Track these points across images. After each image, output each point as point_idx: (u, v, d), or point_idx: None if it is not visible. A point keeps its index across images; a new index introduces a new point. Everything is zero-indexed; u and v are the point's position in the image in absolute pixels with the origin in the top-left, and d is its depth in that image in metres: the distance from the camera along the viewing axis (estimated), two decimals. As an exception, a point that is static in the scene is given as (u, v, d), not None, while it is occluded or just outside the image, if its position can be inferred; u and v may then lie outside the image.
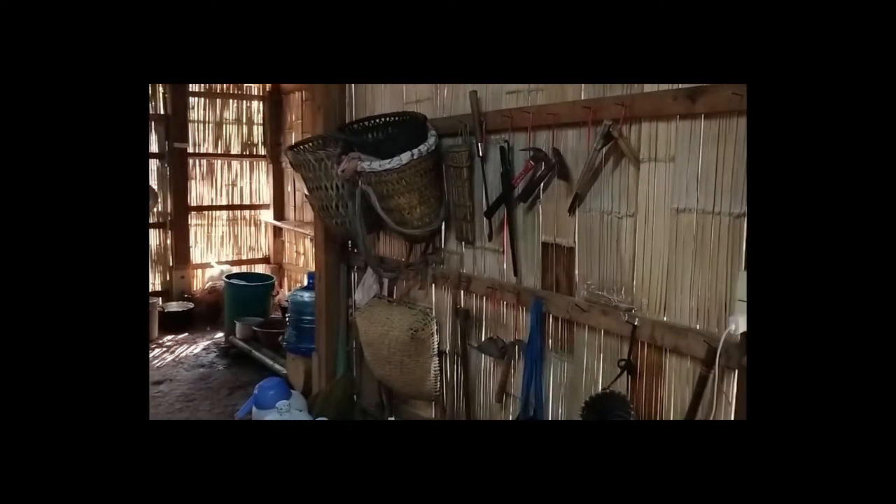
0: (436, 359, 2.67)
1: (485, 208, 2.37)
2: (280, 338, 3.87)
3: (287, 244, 6.02)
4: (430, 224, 2.48)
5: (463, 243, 2.56)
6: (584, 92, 1.97)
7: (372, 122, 2.66)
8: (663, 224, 1.77)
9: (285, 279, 6.00)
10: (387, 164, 2.26)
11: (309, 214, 4.42)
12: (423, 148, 2.31)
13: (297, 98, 5.41)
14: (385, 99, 2.96)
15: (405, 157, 2.27)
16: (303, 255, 5.74)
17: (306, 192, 2.90)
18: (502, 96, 2.27)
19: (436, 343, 2.66)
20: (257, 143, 5.99)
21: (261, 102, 5.89)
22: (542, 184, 2.12)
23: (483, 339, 2.45)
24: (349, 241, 3.20)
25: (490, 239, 2.38)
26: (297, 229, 5.53)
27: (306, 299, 3.60)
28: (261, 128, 5.93)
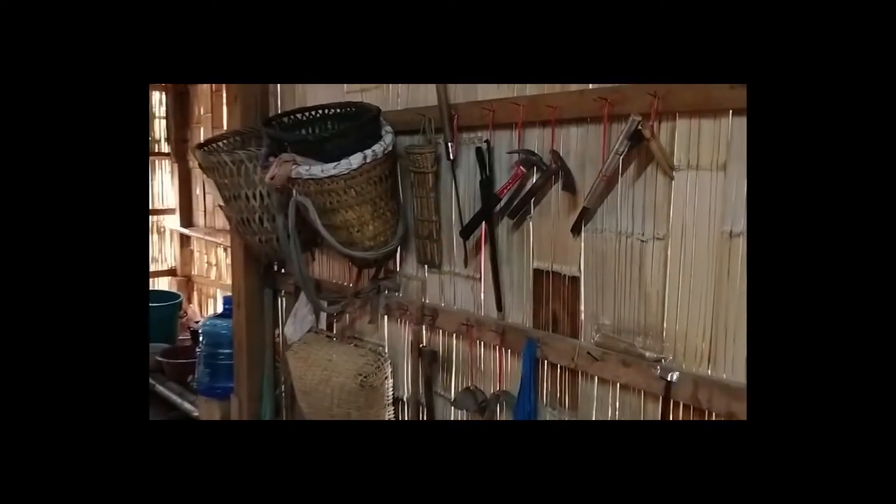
0: (391, 408, 2.17)
1: (456, 224, 1.89)
2: (189, 378, 3.21)
3: (196, 254, 5.25)
4: (384, 244, 1.97)
5: (426, 267, 2.07)
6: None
7: (307, 115, 2.11)
8: (708, 251, 1.36)
9: (195, 294, 5.24)
10: (332, 168, 1.73)
11: (222, 220, 3.78)
12: (378, 149, 1.80)
13: (205, 88, 4.69)
14: (319, 88, 2.41)
15: (356, 161, 1.75)
16: (215, 266, 5.02)
17: (221, 203, 2.30)
18: (478, 85, 1.80)
19: (390, 390, 2.16)
20: (160, 140, 5.19)
21: (163, 93, 5.10)
22: (534, 196, 1.67)
23: (454, 385, 1.98)
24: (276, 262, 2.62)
25: (465, 264, 1.90)
26: (207, 237, 4.80)
27: (222, 330, 2.98)
28: (164, 122, 5.14)
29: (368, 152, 1.77)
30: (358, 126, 1.76)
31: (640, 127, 1.38)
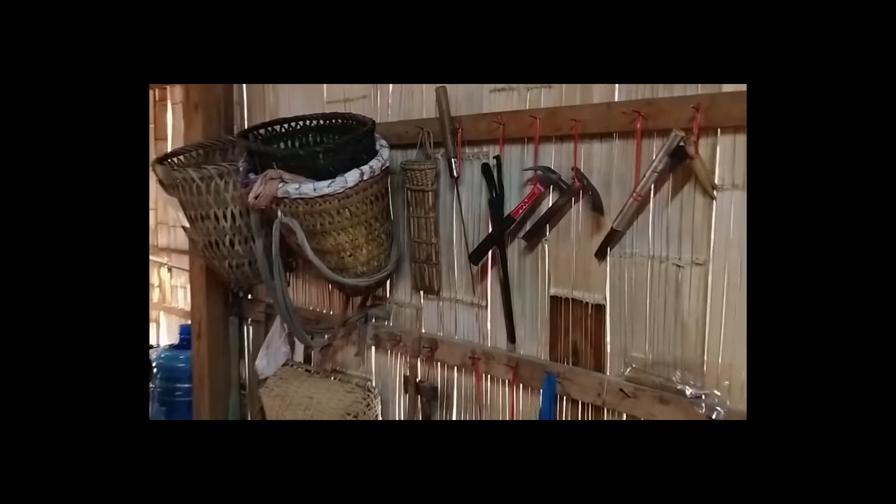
0: (382, 449, 1.96)
1: (458, 247, 1.73)
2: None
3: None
4: (379, 269, 1.79)
5: (422, 293, 1.89)
6: (619, 91, 1.41)
7: (286, 126, 1.90)
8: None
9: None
10: (325, 187, 1.54)
11: (166, 238, 3.46)
12: (375, 165, 1.61)
13: (152, 96, 4.34)
14: (295, 97, 2.21)
15: (352, 178, 1.56)
16: (158, 287, 4.64)
17: (184, 224, 2.05)
18: (484, 94, 1.65)
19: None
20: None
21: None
22: (553, 217, 1.53)
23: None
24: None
25: (474, 290, 1.74)
26: (152, 258, 4.43)
27: (180, 363, 2.69)
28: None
29: (365, 168, 1.58)
30: (354, 139, 1.57)
31: (682, 143, 1.26)
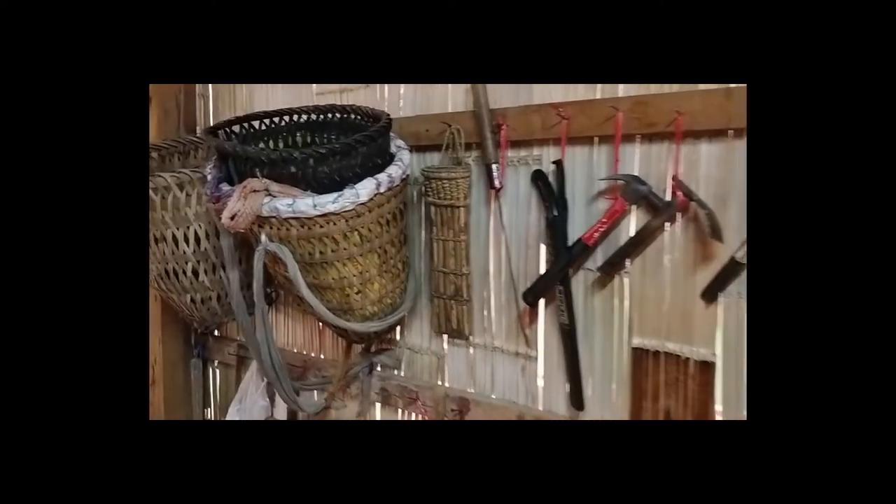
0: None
1: (497, 278, 1.33)
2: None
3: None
4: (393, 309, 1.36)
5: (446, 337, 1.48)
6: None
7: (270, 122, 1.46)
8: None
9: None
10: (330, 202, 1.11)
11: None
12: (394, 172, 1.19)
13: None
14: (275, 87, 1.77)
15: (366, 191, 1.14)
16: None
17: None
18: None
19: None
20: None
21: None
22: (642, 243, 1.14)
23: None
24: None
25: (520, 336, 1.33)
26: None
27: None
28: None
29: (382, 178, 1.16)
30: (369, 138, 1.15)
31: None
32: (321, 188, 1.15)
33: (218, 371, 2.05)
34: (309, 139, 1.50)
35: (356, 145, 1.14)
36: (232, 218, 1.11)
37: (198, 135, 1.81)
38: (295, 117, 1.47)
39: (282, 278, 1.33)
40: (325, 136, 1.48)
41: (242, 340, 1.95)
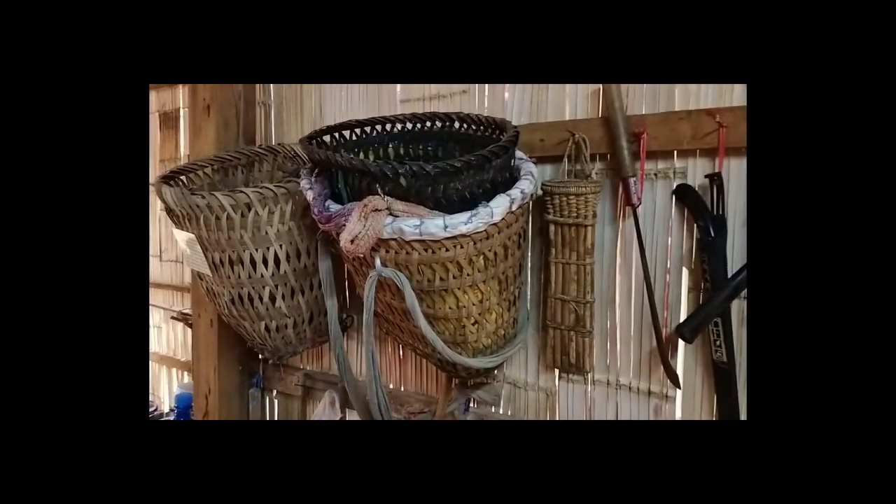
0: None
1: (626, 307, 1.18)
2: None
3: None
4: (506, 341, 1.21)
5: (558, 372, 1.32)
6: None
7: (361, 132, 1.32)
8: None
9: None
10: (462, 223, 0.96)
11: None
12: (526, 188, 1.05)
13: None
14: (351, 95, 1.63)
15: (500, 209, 0.99)
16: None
17: (201, 270, 1.44)
18: (676, 84, 1.11)
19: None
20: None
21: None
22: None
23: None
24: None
25: (652, 369, 1.17)
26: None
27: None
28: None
29: (515, 193, 1.01)
30: (502, 149, 1.00)
31: None
32: (448, 206, 1.00)
33: (277, 401, 1.89)
34: (402, 151, 1.35)
35: (491, 158, 0.99)
36: (352, 241, 0.96)
37: (266, 146, 1.67)
38: (388, 126, 1.33)
39: (383, 306, 1.18)
40: (422, 147, 1.33)
41: (308, 370, 1.79)
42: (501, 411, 1.40)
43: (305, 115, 1.74)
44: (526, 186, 1.04)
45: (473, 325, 1.13)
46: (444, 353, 1.11)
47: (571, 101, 1.25)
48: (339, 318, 1.60)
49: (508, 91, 1.34)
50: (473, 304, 1.10)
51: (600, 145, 1.16)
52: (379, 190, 0.98)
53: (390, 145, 1.35)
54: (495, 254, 1.06)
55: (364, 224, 0.96)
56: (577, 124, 1.19)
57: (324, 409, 1.60)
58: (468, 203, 1.00)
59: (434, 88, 1.45)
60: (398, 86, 1.52)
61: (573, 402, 1.30)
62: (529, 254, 1.31)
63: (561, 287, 1.22)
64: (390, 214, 0.98)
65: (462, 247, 1.00)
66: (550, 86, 1.27)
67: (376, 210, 0.96)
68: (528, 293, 1.32)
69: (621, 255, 1.20)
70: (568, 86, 1.24)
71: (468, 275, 1.05)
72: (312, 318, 1.47)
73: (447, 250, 1.00)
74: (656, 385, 1.18)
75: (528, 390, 1.36)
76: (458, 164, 0.96)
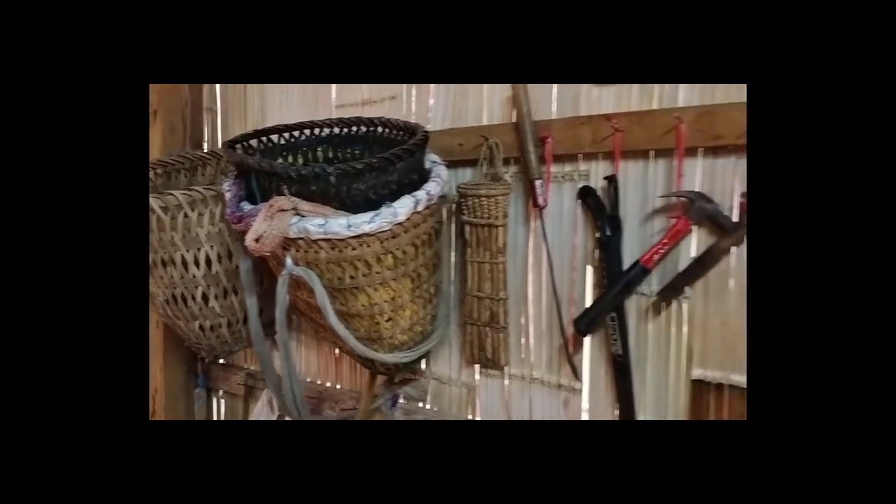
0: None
1: (536, 303, 1.23)
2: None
3: None
4: (423, 337, 1.25)
5: (477, 367, 1.37)
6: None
7: (290, 136, 1.36)
8: None
9: None
10: (365, 222, 1.01)
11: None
12: (433, 189, 1.10)
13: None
14: (291, 100, 1.67)
15: (404, 209, 1.04)
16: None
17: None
18: (582, 89, 1.17)
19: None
20: None
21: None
22: (706, 266, 1.05)
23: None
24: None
25: (562, 363, 1.23)
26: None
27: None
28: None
29: (421, 195, 1.06)
30: (407, 152, 1.05)
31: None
32: (354, 207, 1.04)
33: (224, 401, 1.92)
34: (331, 154, 1.40)
35: (394, 160, 1.04)
36: (257, 240, 1.00)
37: (209, 150, 1.71)
38: (317, 131, 1.38)
39: (303, 304, 1.22)
40: (349, 151, 1.38)
41: (251, 369, 1.83)
42: (428, 406, 1.45)
43: (249, 118, 1.78)
44: (432, 188, 1.09)
45: (387, 321, 1.17)
46: (356, 348, 1.16)
47: (488, 108, 1.30)
48: (274, 317, 1.64)
49: (433, 98, 1.39)
50: (385, 302, 1.14)
51: (512, 149, 1.21)
52: (285, 190, 1.03)
53: (319, 149, 1.40)
54: (404, 252, 1.10)
55: (269, 223, 1.00)
56: (491, 129, 1.25)
57: (261, 409, 1.63)
58: (375, 204, 1.05)
59: (366, 94, 1.50)
60: (333, 91, 1.57)
61: (492, 397, 1.35)
62: (453, 253, 1.36)
63: (477, 285, 1.27)
64: (297, 214, 1.02)
65: (368, 245, 1.05)
66: (470, 92, 1.32)
67: (282, 210, 1.01)
68: (452, 291, 1.36)
69: (533, 254, 1.25)
70: (486, 92, 1.30)
71: (377, 273, 1.09)
72: (247, 317, 1.51)
73: (353, 249, 1.05)
74: (565, 378, 1.24)
75: (451, 386, 1.41)
76: (360, 165, 1.01)
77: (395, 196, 1.06)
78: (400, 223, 1.05)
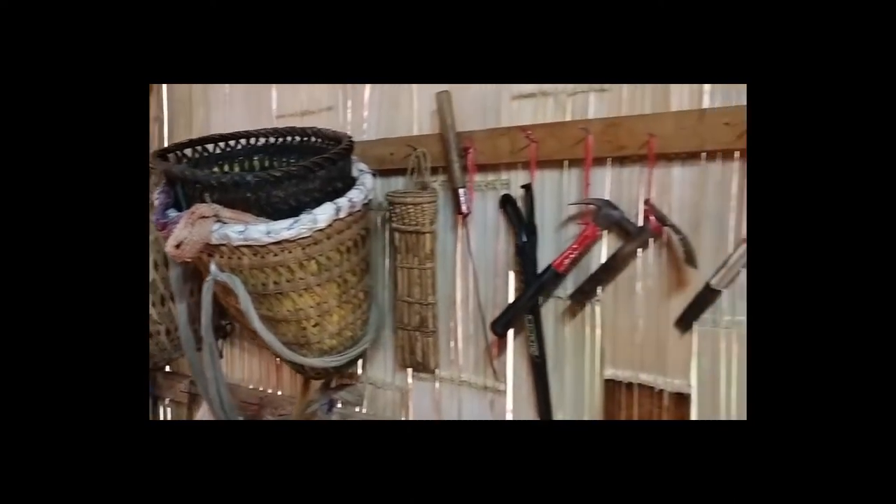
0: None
1: (464, 308, 1.27)
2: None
3: None
4: (353, 342, 1.28)
5: (411, 371, 1.40)
6: (711, 94, 1.01)
7: (225, 146, 1.39)
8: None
9: None
10: (284, 229, 1.04)
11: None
12: (355, 197, 1.13)
13: None
14: (234, 110, 1.70)
15: (324, 216, 1.07)
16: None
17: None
18: (503, 102, 1.22)
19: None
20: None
21: None
22: (614, 269, 1.10)
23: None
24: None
25: (487, 368, 1.26)
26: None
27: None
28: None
29: (342, 202, 1.10)
30: (328, 160, 1.09)
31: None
32: (276, 214, 1.07)
33: (169, 409, 1.92)
34: (267, 163, 1.42)
35: (314, 168, 1.07)
36: (177, 246, 1.02)
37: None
38: (252, 140, 1.40)
39: (234, 310, 1.24)
40: (285, 160, 1.41)
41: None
42: (364, 411, 1.47)
43: (195, 129, 1.80)
44: (355, 196, 1.13)
45: (314, 326, 1.20)
46: (282, 353, 1.18)
47: (418, 119, 1.34)
48: (220, 324, 1.66)
49: (369, 108, 1.43)
50: (311, 307, 1.17)
51: (440, 159, 1.26)
52: (207, 198, 1.05)
53: (255, 158, 1.42)
54: (328, 258, 1.13)
55: (190, 230, 1.02)
56: (420, 140, 1.29)
57: (203, 415, 1.64)
58: (297, 211, 1.08)
59: (305, 104, 1.53)
60: (274, 101, 1.60)
61: (424, 400, 1.38)
62: (387, 259, 1.39)
63: (406, 290, 1.31)
64: (218, 221, 1.05)
65: (290, 252, 1.08)
66: (402, 103, 1.36)
67: (203, 217, 1.03)
68: (385, 297, 1.40)
69: (461, 260, 1.29)
70: (416, 103, 1.34)
71: (301, 278, 1.12)
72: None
73: (275, 255, 1.07)
74: (491, 380, 1.27)
75: (386, 390, 1.44)
76: (279, 173, 1.04)
77: (317, 204, 1.09)
78: (321, 229, 1.08)
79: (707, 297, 1.01)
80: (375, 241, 1.38)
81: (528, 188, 1.16)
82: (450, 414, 1.34)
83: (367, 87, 1.42)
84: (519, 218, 1.17)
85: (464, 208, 1.22)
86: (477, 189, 1.25)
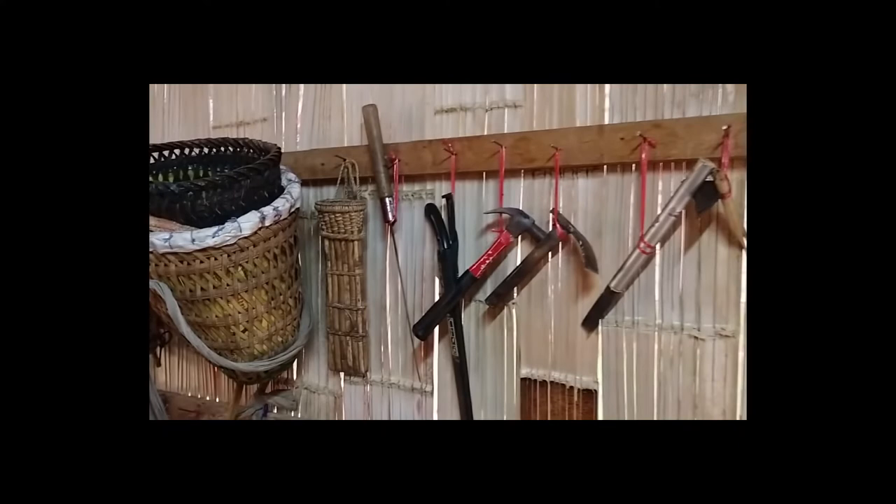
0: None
1: (393, 313, 1.32)
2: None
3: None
4: (284, 347, 1.32)
5: (343, 375, 1.44)
6: (611, 111, 1.09)
7: (159, 156, 1.41)
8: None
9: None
10: (209, 237, 1.08)
11: None
12: (281, 206, 1.18)
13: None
14: (171, 120, 1.72)
15: (249, 224, 1.11)
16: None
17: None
18: (426, 117, 1.28)
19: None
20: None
21: None
22: (526, 274, 1.17)
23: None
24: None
25: (415, 371, 1.32)
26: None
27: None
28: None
29: (268, 211, 1.14)
30: (253, 171, 1.13)
31: (712, 178, 0.95)
32: (202, 222, 1.11)
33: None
34: (201, 172, 1.46)
35: (238, 178, 1.11)
36: (101, 253, 1.05)
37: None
38: (187, 150, 1.43)
39: (164, 316, 1.26)
40: (219, 169, 1.44)
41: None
42: (299, 416, 1.51)
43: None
44: (281, 204, 1.17)
45: (244, 332, 1.24)
46: (210, 358, 1.21)
47: (349, 130, 1.39)
48: (156, 332, 1.67)
49: (302, 120, 1.48)
50: (239, 313, 1.20)
51: (367, 169, 1.31)
52: (132, 207, 1.08)
53: (190, 167, 1.45)
54: (255, 265, 1.17)
55: (114, 238, 1.05)
56: (350, 151, 1.34)
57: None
58: (222, 219, 1.12)
59: (241, 116, 1.57)
60: (211, 112, 1.63)
61: (356, 403, 1.42)
62: (321, 265, 1.43)
63: (337, 296, 1.35)
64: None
65: (216, 259, 1.11)
66: (332, 115, 1.41)
67: (128, 225, 1.06)
68: (317, 304, 1.44)
69: (390, 266, 1.35)
70: (346, 116, 1.39)
71: (228, 285, 1.16)
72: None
73: (201, 262, 1.11)
74: (418, 382, 1.33)
75: (319, 394, 1.48)
76: (202, 183, 1.08)
77: (243, 212, 1.13)
78: (246, 237, 1.12)
79: (608, 299, 1.08)
80: (308, 249, 1.42)
81: (448, 198, 1.22)
82: (380, 415, 1.39)
83: (301, 99, 1.46)
84: (441, 226, 1.23)
85: (390, 217, 1.27)
86: (404, 198, 1.30)
